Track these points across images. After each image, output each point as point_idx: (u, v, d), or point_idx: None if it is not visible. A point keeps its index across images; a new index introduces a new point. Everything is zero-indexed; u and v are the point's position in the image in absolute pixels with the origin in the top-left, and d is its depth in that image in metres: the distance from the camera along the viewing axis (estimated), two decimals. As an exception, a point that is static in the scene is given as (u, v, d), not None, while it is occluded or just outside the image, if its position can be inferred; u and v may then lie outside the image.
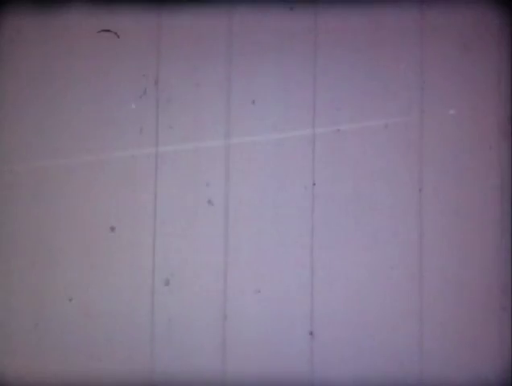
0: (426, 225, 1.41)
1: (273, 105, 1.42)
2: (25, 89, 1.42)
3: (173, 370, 1.38)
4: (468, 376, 1.38)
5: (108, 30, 1.36)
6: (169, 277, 1.40)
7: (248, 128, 1.42)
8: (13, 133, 1.42)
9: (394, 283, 1.40)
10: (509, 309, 1.39)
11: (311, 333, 1.39)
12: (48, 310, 1.39)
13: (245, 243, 1.40)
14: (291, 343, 1.39)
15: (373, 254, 1.40)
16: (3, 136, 1.42)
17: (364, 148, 1.41)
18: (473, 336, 1.40)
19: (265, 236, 1.40)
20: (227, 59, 1.42)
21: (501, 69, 1.42)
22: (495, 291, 1.40)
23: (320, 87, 1.42)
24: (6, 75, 1.42)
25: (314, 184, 1.41)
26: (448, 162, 1.41)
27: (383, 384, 1.38)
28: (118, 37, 1.35)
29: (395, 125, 1.42)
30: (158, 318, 1.39)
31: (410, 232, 1.40)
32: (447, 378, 1.39)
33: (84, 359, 1.39)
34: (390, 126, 1.42)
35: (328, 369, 1.39)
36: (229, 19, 1.42)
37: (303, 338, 1.39)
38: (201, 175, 1.41)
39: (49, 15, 1.42)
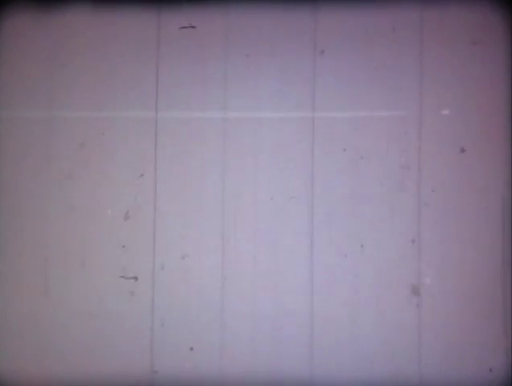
0: (424, 222, 1.40)
1: (271, 103, 1.42)
2: (25, 88, 1.43)
3: (171, 370, 1.39)
4: (468, 376, 1.38)
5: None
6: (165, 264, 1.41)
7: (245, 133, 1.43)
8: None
9: (393, 282, 1.40)
10: (510, 309, 1.39)
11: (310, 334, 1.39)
12: (46, 310, 1.40)
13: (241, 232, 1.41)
14: (290, 344, 1.39)
15: (372, 252, 1.40)
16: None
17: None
18: (473, 336, 1.39)
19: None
20: (225, 58, 1.43)
21: (502, 69, 1.42)
22: (495, 290, 1.40)
23: (319, 85, 1.42)
24: (7, 75, 1.43)
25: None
26: (447, 161, 1.42)
27: (383, 385, 1.38)
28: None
29: (394, 120, 1.42)
30: (156, 317, 1.40)
31: (408, 229, 1.40)
32: (446, 379, 1.39)
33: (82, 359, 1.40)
34: (390, 121, 1.42)
35: (327, 370, 1.39)
36: (228, 18, 1.43)
37: (303, 338, 1.39)
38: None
39: (50, 15, 1.42)
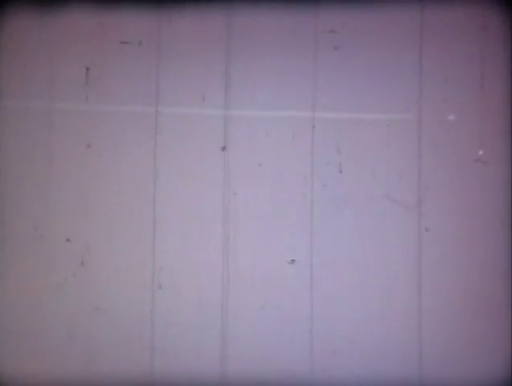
0: (425, 223, 1.41)
1: (272, 103, 1.42)
2: (26, 88, 1.42)
3: (172, 371, 1.38)
4: (468, 376, 1.39)
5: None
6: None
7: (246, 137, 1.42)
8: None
9: (393, 282, 1.40)
10: (510, 308, 1.39)
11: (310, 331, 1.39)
12: (47, 311, 1.39)
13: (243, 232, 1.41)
14: (291, 344, 1.39)
15: (372, 251, 1.40)
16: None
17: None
18: (473, 336, 1.40)
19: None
20: (227, 58, 1.43)
21: (502, 70, 1.42)
22: (495, 290, 1.40)
23: (320, 84, 1.43)
24: (7, 74, 1.42)
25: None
26: (448, 162, 1.42)
27: (383, 385, 1.38)
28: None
29: (394, 123, 1.42)
30: (158, 317, 1.40)
31: (410, 229, 1.41)
32: (447, 378, 1.39)
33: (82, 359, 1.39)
34: (390, 123, 1.42)
35: (327, 369, 1.39)
36: (229, 18, 1.43)
37: (303, 338, 1.39)
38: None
39: (50, 15, 1.42)
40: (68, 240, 1.40)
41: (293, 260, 1.40)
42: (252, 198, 1.41)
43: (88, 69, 1.42)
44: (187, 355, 1.39)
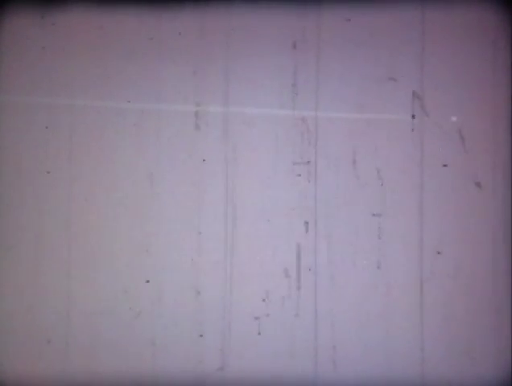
0: (426, 224, 1.41)
1: (273, 103, 1.42)
2: (26, 87, 1.42)
3: (173, 370, 1.38)
4: (469, 376, 1.38)
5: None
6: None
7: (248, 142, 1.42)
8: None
9: (395, 284, 1.40)
10: (510, 309, 1.39)
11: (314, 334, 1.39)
12: (48, 309, 1.39)
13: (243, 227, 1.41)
14: (294, 344, 1.39)
15: (374, 253, 1.40)
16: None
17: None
18: (474, 337, 1.39)
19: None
20: (227, 57, 1.43)
21: (502, 69, 1.42)
22: (495, 292, 1.40)
23: (322, 84, 1.43)
24: (7, 75, 1.42)
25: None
26: (449, 162, 1.42)
27: (385, 384, 1.38)
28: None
29: (396, 123, 1.42)
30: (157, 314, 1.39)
31: (411, 231, 1.40)
32: (448, 378, 1.39)
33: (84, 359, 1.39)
34: (391, 123, 1.42)
35: (330, 370, 1.39)
36: (229, 18, 1.43)
37: (307, 337, 1.39)
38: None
39: (50, 15, 1.42)
40: (65, 232, 1.40)
41: (296, 260, 1.40)
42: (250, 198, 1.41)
43: (88, 67, 1.42)
44: (190, 355, 1.39)
